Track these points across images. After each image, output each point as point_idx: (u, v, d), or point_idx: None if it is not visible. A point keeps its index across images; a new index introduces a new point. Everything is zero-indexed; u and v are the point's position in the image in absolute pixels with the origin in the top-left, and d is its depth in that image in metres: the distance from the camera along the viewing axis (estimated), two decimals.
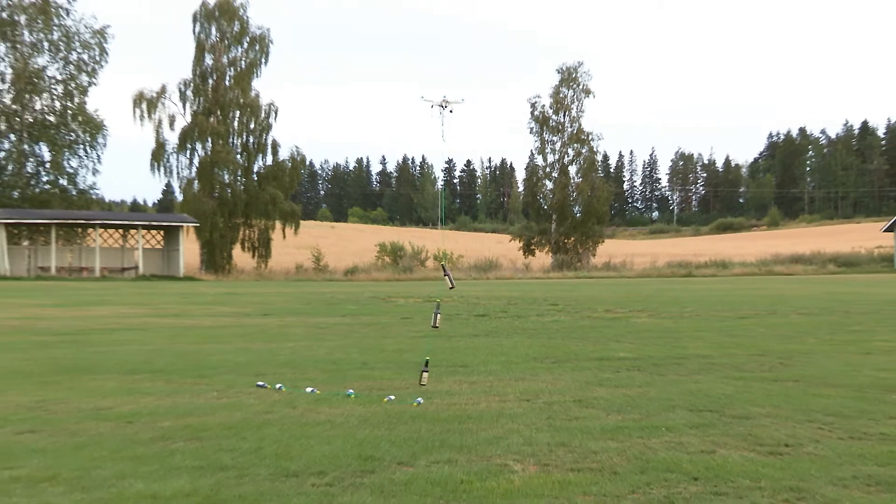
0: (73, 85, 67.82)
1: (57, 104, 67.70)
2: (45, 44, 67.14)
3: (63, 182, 67.84)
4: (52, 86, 67.63)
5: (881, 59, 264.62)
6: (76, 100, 67.88)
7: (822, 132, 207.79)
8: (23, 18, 66.26)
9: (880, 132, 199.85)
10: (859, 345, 18.64)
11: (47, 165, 68.08)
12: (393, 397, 12.08)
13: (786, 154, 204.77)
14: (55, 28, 67.01)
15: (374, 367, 15.02)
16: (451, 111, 12.94)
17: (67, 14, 67.59)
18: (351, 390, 12.21)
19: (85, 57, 67.97)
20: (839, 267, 73.28)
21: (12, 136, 66.78)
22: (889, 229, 79.06)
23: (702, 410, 10.97)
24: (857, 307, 29.88)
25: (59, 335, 20.81)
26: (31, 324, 23.86)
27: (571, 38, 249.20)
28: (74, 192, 67.69)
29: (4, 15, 65.92)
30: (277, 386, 12.66)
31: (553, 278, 64.00)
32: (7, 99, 66.28)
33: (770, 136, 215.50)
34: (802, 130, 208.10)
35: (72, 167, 68.32)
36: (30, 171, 67.42)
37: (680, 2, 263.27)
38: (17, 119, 66.37)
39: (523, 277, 65.06)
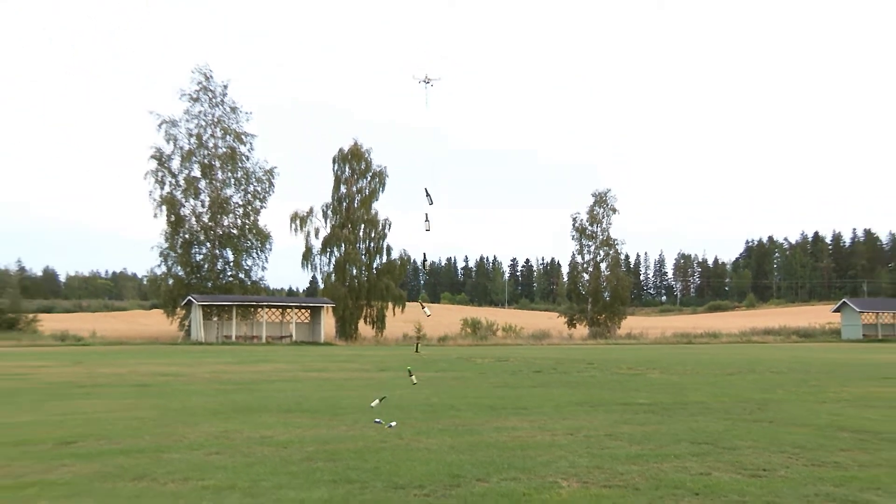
0: (249, 208, 69.43)
1: (238, 221, 69.30)
2: (232, 180, 69.05)
3: (241, 276, 69.05)
4: (236, 208, 69.35)
5: (829, 186, 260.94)
6: (251, 218, 69.42)
7: (785, 239, 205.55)
8: (217, 163, 68.37)
9: (828, 240, 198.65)
10: (817, 395, 18.13)
11: (231, 264, 69.41)
12: (379, 421, 11.95)
13: (759, 255, 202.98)
14: (239, 169, 68.93)
15: (460, 409, 14.93)
16: (431, 85, 12.80)
17: (247, 159, 69.60)
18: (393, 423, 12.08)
19: (258, 188, 69.69)
20: (800, 338, 71.88)
21: (208, 244, 68.50)
22: (836, 310, 77.66)
23: (700, 443, 10.75)
24: (815, 367, 29.11)
25: (237, 384, 21.08)
26: (217, 376, 24.19)
27: (604, 173, 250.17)
28: (249, 283, 68.78)
29: (206, 161, 68.16)
30: (391, 424, 12.64)
31: (589, 344, 63.28)
32: (205, 218, 68.10)
33: (747, 241, 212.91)
34: (771, 238, 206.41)
35: (247, 265, 69.65)
36: (219, 268, 68.80)
37: (678, 145, 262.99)
38: (212, 232, 68.06)
39: (567, 344, 64.45)
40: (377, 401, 12.18)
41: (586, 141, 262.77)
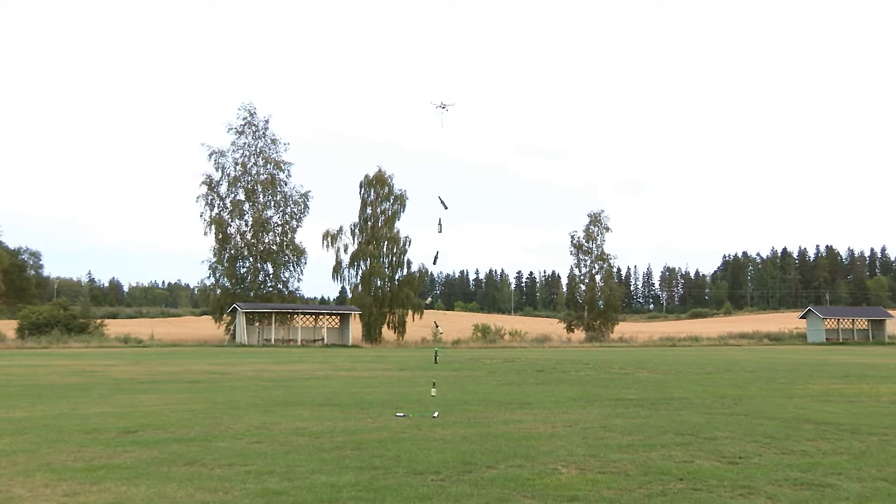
0: (287, 227, 69.38)
1: (277, 239, 69.25)
2: (272, 202, 69.06)
3: (280, 286, 68.95)
4: (275, 227, 69.33)
5: (796, 207, 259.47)
6: (289, 236, 69.30)
7: (757, 254, 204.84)
8: (259, 188, 68.54)
9: (794, 255, 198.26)
10: (785, 391, 18.01)
11: (271, 276, 69.27)
12: (401, 414, 12.54)
13: (734, 268, 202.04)
14: (278, 193, 69.00)
15: (471, 403, 14.90)
16: (447, 109, 12.62)
17: (285, 184, 69.51)
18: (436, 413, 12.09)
19: (295, 210, 69.62)
20: (770, 341, 71.12)
21: (251, 259, 68.61)
22: (802, 317, 76.94)
23: (684, 434, 10.68)
24: (783, 367, 28.90)
25: (275, 381, 21.10)
26: (258, 374, 24.24)
27: (601, 195, 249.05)
28: (286, 293, 68.67)
29: (250, 186, 68.39)
30: (421, 413, 12.62)
31: (585, 347, 62.94)
32: (248, 236, 68.24)
33: (724, 256, 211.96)
34: (745, 253, 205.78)
35: (285, 277, 69.41)
36: (260, 279, 68.69)
37: (665, 171, 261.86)
38: (254, 248, 68.19)
39: (566, 346, 64.08)
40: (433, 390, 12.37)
41: (584, 167, 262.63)
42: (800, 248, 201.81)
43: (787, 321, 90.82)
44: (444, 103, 12.63)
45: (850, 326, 74.35)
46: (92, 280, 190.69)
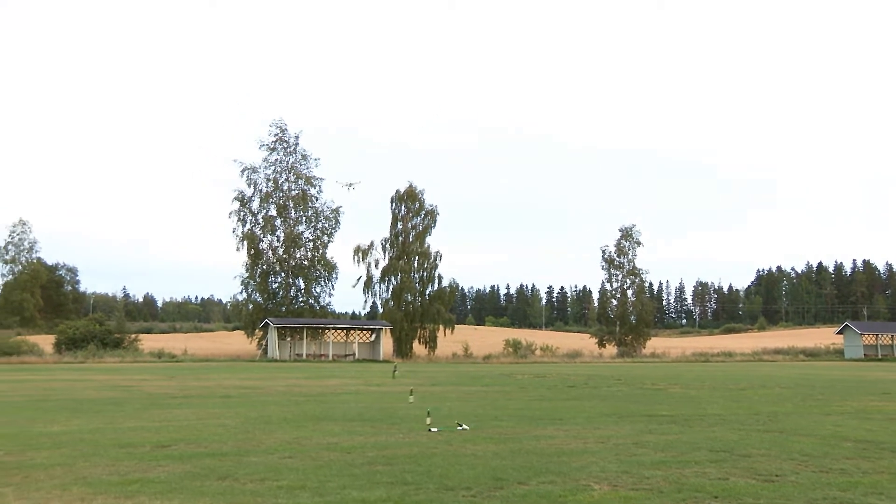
0: (318, 242, 69.92)
1: (309, 254, 69.83)
2: (303, 218, 69.76)
3: (311, 302, 69.40)
4: (306, 243, 69.90)
5: (832, 221, 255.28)
6: (320, 251, 69.87)
7: (792, 269, 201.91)
8: (291, 203, 69.24)
9: (830, 269, 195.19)
10: (822, 408, 17.67)
11: (302, 292, 69.81)
12: (434, 429, 12.52)
13: (769, 283, 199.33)
14: (310, 208, 69.64)
15: (502, 419, 14.82)
16: (353, 188, 12.89)
17: (317, 200, 70.21)
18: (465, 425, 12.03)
19: (326, 225, 70.23)
20: (806, 357, 69.90)
21: (283, 274, 69.19)
22: (839, 332, 75.35)
23: (718, 451, 10.52)
24: (819, 383, 28.37)
25: (307, 396, 21.18)
26: (290, 389, 24.34)
27: (630, 212, 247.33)
28: (318, 308, 69.09)
29: (281, 202, 69.09)
30: (458, 428, 12.57)
31: (617, 362, 62.32)
32: (280, 251, 68.88)
33: (758, 270, 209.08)
34: (779, 268, 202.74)
35: (316, 292, 69.92)
36: (292, 295, 69.21)
37: (695, 184, 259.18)
38: (286, 263, 68.77)
39: (598, 361, 63.51)
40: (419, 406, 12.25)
41: (614, 186, 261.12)
42: (836, 262, 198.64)
43: (824, 337, 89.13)
44: (350, 183, 13.04)
45: (890, 342, 72.80)
46: (127, 295, 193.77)
